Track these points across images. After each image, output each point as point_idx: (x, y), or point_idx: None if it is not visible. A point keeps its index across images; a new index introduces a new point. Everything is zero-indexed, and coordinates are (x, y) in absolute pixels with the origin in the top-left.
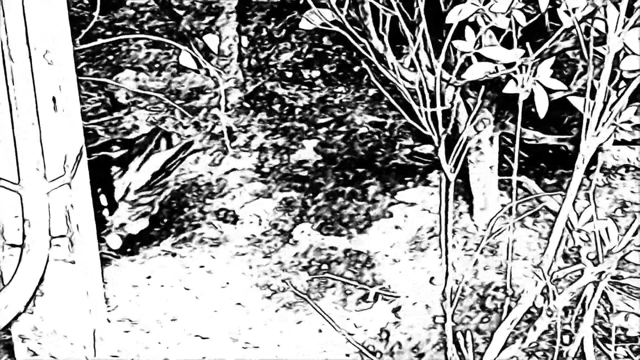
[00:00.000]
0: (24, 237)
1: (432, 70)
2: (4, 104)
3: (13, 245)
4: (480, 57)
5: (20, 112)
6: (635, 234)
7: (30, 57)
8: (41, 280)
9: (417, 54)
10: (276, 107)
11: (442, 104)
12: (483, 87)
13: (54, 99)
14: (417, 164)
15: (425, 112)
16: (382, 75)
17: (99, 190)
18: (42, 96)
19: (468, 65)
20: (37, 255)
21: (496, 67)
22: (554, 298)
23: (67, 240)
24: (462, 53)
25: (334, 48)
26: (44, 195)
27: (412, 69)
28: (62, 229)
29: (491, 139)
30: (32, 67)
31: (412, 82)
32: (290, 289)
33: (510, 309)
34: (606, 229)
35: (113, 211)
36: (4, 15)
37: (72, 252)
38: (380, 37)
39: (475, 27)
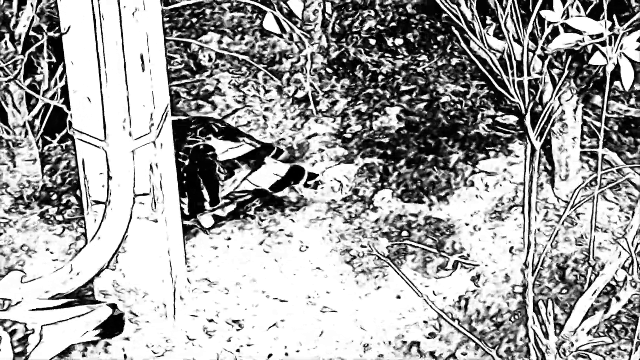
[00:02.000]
0: (108, 194)
1: (518, 40)
2: (93, 61)
3: (97, 202)
4: (567, 28)
5: (108, 69)
6: None
7: (120, 14)
8: (124, 237)
9: (504, 23)
10: (359, 73)
11: (528, 74)
12: (569, 57)
13: (141, 57)
14: (499, 134)
15: (513, 81)
16: (465, 44)
17: (202, 182)
18: (130, 54)
19: (553, 37)
20: (120, 212)
21: (582, 38)
22: (639, 269)
23: (150, 199)
24: (549, 23)
25: (417, 17)
26: (129, 152)
27: (495, 38)
28: (145, 187)
29: (575, 110)
30: (121, 25)
31: (497, 52)
32: (374, 253)
33: (591, 280)
34: None
35: (214, 204)
36: None
37: (155, 211)
38: (469, 5)
39: None
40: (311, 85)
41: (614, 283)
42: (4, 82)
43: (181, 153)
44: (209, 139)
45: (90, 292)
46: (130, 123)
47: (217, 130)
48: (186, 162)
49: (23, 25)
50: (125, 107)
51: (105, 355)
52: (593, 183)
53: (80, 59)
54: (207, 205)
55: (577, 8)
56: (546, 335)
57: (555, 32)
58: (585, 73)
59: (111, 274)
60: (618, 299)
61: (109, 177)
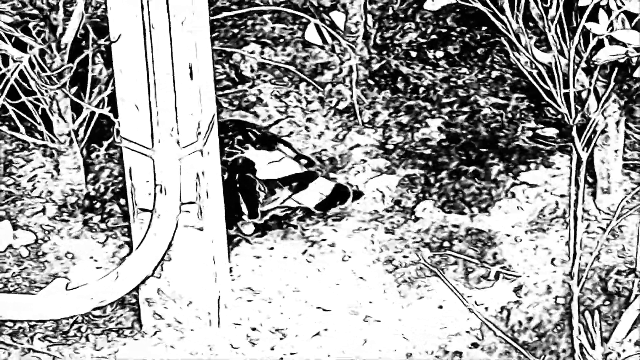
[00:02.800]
0: (154, 202)
1: (561, 52)
2: (142, 69)
3: (144, 210)
4: (612, 41)
5: (157, 77)
6: None
7: (169, 24)
8: (169, 245)
9: (551, 35)
10: (400, 85)
11: (574, 85)
12: (614, 70)
13: (190, 67)
14: (539, 146)
15: (559, 93)
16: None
17: (241, 198)
18: (179, 63)
19: (598, 49)
20: (166, 220)
21: (627, 51)
22: None
23: (197, 207)
24: (595, 35)
25: (458, 29)
26: (176, 161)
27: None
28: (192, 196)
29: (617, 123)
30: (170, 34)
31: (542, 64)
32: (421, 261)
33: (638, 291)
34: None
35: (252, 218)
36: None
37: (201, 219)
38: (515, 17)
39: (608, 10)
40: (357, 96)
41: None
42: (51, 91)
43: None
44: (247, 148)
45: (134, 300)
46: (178, 131)
47: (254, 138)
48: (225, 176)
49: (70, 35)
50: (173, 115)
51: None
52: (636, 195)
53: (129, 67)
54: (245, 217)
55: (622, 21)
56: (592, 346)
57: (599, 45)
58: (627, 86)
59: (156, 282)
60: None
61: (156, 185)
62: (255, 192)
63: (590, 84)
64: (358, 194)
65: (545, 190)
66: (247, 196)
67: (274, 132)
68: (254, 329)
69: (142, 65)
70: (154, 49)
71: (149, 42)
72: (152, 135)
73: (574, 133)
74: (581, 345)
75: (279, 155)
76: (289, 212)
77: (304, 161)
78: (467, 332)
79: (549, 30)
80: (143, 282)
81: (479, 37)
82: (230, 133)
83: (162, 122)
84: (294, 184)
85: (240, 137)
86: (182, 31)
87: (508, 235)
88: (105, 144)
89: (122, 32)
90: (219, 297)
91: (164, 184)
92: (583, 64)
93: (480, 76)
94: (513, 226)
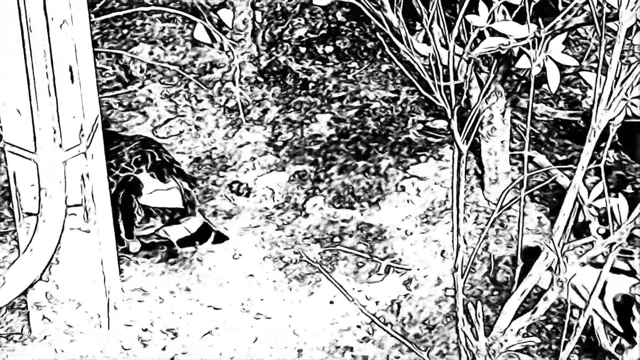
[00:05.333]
0: (40, 205)
1: (445, 45)
2: (22, 73)
3: (29, 214)
4: (493, 32)
5: (37, 81)
6: None
7: (47, 27)
8: (57, 248)
9: (430, 28)
10: (290, 81)
11: (455, 78)
12: (496, 61)
13: (70, 69)
14: (429, 139)
15: (439, 86)
16: (395, 50)
17: (120, 215)
18: (59, 66)
19: (480, 41)
20: (53, 223)
21: (509, 42)
22: (565, 270)
23: (83, 210)
24: (475, 27)
25: (348, 24)
26: (60, 164)
27: (424, 44)
28: (77, 198)
29: (503, 113)
30: (49, 37)
31: (425, 57)
32: (303, 259)
33: (520, 281)
34: (617, 205)
35: (128, 238)
36: None
37: (87, 221)
38: (395, 11)
39: (489, 2)
40: (241, 94)
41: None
42: None
43: (110, 179)
44: (140, 171)
45: (24, 305)
46: (61, 134)
47: (151, 162)
48: (112, 189)
49: None
50: (55, 118)
51: None
52: (520, 185)
53: (9, 71)
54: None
55: (503, 12)
56: (476, 336)
57: (482, 36)
58: (513, 76)
59: (45, 286)
60: (545, 299)
61: (40, 189)
62: (133, 214)
63: (465, 77)
64: (221, 237)
65: (435, 183)
66: (125, 216)
67: (175, 160)
68: (145, 330)
69: (22, 69)
70: (33, 53)
71: (28, 46)
72: (34, 139)
73: (454, 126)
74: (466, 337)
75: (168, 186)
76: (162, 240)
77: (192, 196)
78: (358, 326)
79: (426, 24)
80: (31, 286)
81: (368, 30)
82: (131, 150)
83: (44, 126)
84: (167, 218)
85: (139, 157)
86: (61, 34)
87: (398, 229)
88: None
89: (1, 36)
90: (109, 298)
91: (48, 188)
92: (471, 55)
93: (370, 70)
94: (403, 220)
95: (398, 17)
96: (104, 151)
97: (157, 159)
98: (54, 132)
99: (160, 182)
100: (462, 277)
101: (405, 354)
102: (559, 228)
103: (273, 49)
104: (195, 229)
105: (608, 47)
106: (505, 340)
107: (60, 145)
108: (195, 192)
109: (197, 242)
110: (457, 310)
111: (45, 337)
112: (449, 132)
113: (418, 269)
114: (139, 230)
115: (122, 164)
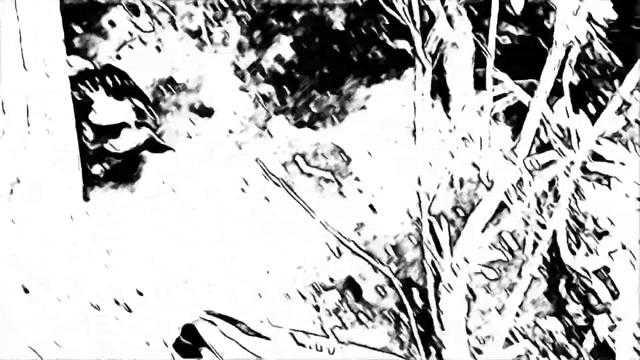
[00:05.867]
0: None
1: None
2: None
3: None
4: None
5: None
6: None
7: None
8: None
9: None
10: (252, 2)
11: None
12: None
13: None
14: (392, 59)
15: (403, 8)
16: None
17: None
18: None
19: None
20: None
21: None
22: (529, 184)
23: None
24: None
25: None
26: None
27: None
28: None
29: (465, 34)
30: None
31: None
32: (268, 176)
33: (484, 197)
34: (576, 128)
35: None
36: None
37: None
38: None
39: None
40: (204, 14)
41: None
42: None
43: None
44: (97, 89)
45: None
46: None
47: (111, 83)
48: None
49: None
50: None
51: None
52: (483, 105)
53: None
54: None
55: None
56: (441, 253)
57: None
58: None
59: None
60: (510, 211)
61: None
62: (82, 133)
63: None
64: (164, 147)
65: (398, 103)
66: (79, 133)
67: (134, 82)
68: (108, 252)
69: None
70: None
71: None
72: None
73: (417, 43)
74: (431, 253)
75: (123, 104)
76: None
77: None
78: (323, 247)
79: None
80: None
81: None
82: (91, 74)
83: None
84: (116, 133)
85: (97, 79)
86: None
87: (361, 149)
88: None
89: None
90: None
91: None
92: None
93: None
94: (366, 140)
95: None
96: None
97: (118, 80)
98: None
99: (115, 101)
100: (427, 196)
101: (369, 273)
102: (522, 143)
103: None
104: (142, 141)
105: None
106: (470, 256)
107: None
108: (150, 110)
109: (142, 152)
110: (422, 227)
111: None
112: (412, 53)
113: (381, 188)
114: (92, 145)
115: (80, 85)
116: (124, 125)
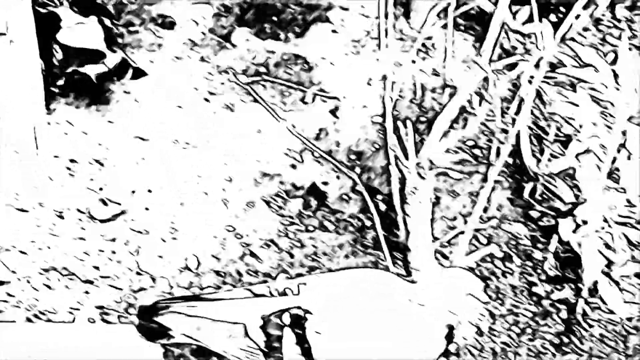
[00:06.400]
0: None
1: None
2: None
3: None
4: None
5: None
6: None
7: None
8: None
9: None
10: None
11: None
12: None
13: None
14: None
15: None
16: None
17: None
18: None
19: None
20: None
21: None
22: (494, 86)
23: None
24: None
25: None
26: None
27: None
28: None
29: None
30: None
31: None
32: (235, 80)
33: (448, 102)
34: (541, 32)
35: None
36: None
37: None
38: None
39: None
40: None
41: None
42: None
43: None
44: (61, 4)
45: None
46: None
47: None
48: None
49: None
50: None
51: None
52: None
53: None
54: None
55: None
56: (406, 156)
57: None
58: None
59: None
60: (475, 115)
61: None
62: (52, 53)
63: None
64: (140, 72)
65: (360, 14)
66: (44, 54)
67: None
68: (72, 161)
69: None
70: None
71: None
72: None
73: None
74: (396, 157)
75: (89, 20)
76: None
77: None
78: (286, 154)
79: None
80: None
81: None
82: None
83: None
84: (86, 57)
85: None
86: None
87: (324, 58)
88: None
89: None
90: (34, 126)
91: None
92: None
93: None
94: (329, 49)
95: None
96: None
97: None
98: None
99: (80, 17)
100: (391, 99)
101: (333, 179)
102: (486, 48)
103: None
104: (113, 65)
105: None
106: (435, 159)
107: None
108: (117, 27)
109: (115, 78)
110: (387, 131)
111: None
112: None
113: (344, 97)
114: (58, 69)
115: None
116: (96, 51)
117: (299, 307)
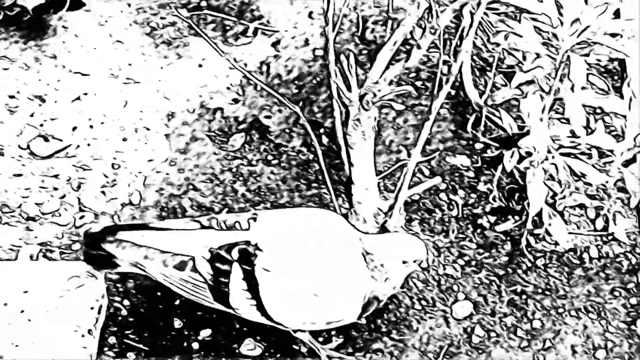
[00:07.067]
0: None
1: None
2: None
3: None
4: None
5: None
6: None
7: None
8: None
9: None
10: None
11: None
12: None
13: None
14: None
15: None
16: None
17: None
18: None
19: None
20: None
21: None
22: (437, 16)
23: None
24: None
25: None
26: None
27: None
28: None
29: None
30: None
31: None
32: (177, 14)
33: (392, 33)
34: None
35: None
36: None
37: None
38: None
39: None
40: None
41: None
42: None
43: None
44: None
45: None
46: None
47: None
48: None
49: None
50: None
51: None
52: None
53: None
54: None
55: None
56: (349, 88)
57: None
58: None
59: None
60: (419, 47)
61: None
62: None
63: None
64: (77, 4)
65: None
66: None
67: None
68: (11, 97)
69: None
70: None
71: None
72: None
73: None
74: (338, 89)
75: None
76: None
77: None
78: (228, 88)
79: None
80: None
81: None
82: None
83: None
84: None
85: None
86: None
87: None
88: None
89: None
90: None
91: None
92: None
93: None
94: None
95: None
96: None
97: None
98: None
99: None
100: (332, 31)
101: (275, 114)
102: None
103: None
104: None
105: None
106: (379, 90)
107: None
108: None
109: (52, 10)
110: (329, 63)
111: None
112: None
113: (286, 31)
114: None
115: None
116: None
117: (248, 242)
